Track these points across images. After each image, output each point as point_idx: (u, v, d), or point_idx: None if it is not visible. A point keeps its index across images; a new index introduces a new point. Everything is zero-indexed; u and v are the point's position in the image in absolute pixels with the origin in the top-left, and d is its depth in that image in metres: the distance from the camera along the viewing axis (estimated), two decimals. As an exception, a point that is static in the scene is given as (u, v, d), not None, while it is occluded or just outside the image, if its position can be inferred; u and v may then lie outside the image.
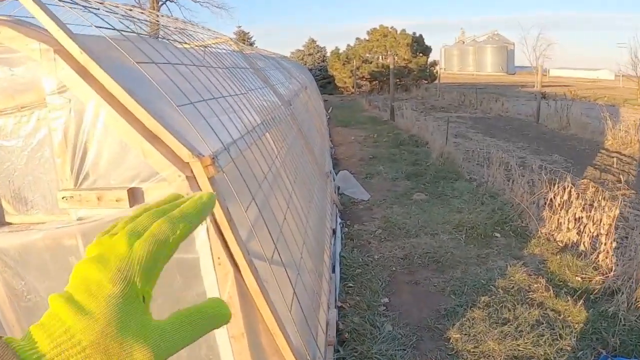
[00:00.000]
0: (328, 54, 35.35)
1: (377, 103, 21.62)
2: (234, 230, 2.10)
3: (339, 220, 6.29)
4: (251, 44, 36.11)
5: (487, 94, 21.69)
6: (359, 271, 4.75)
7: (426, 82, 29.46)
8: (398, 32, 29.09)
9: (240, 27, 37.48)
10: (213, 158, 2.04)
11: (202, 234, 2.08)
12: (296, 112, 7.00)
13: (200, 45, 4.62)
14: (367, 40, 30.33)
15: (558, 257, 4.72)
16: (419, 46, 28.80)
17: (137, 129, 1.98)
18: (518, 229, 5.54)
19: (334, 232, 5.66)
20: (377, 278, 4.58)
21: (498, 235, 5.42)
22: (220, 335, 2.25)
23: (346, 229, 6.06)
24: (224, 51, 5.70)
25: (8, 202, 2.56)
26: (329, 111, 21.10)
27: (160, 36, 4.55)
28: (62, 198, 2.16)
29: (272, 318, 2.28)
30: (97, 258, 0.45)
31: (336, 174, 8.58)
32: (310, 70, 33.96)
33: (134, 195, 2.09)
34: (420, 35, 29.30)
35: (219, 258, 2.10)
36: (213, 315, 0.51)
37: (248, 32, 37.27)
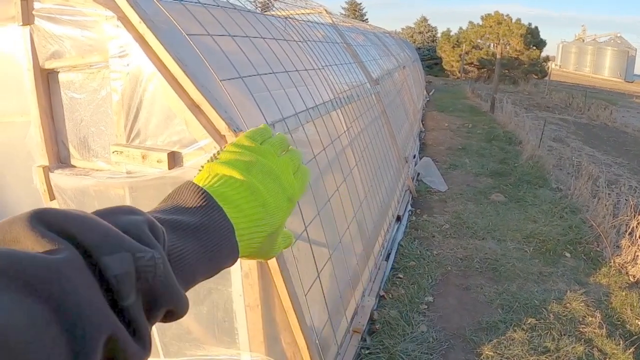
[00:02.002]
0: (439, 35, 34.43)
1: (480, 92, 20.89)
2: None
3: (408, 207, 6.19)
4: (362, 15, 35.82)
5: (597, 99, 20.33)
6: (413, 264, 4.67)
7: (536, 77, 28.00)
8: (513, 20, 27.71)
9: (353, -3, 37.17)
10: None
11: None
12: (383, 92, 6.88)
13: (286, 16, 4.62)
14: (480, 26, 29.14)
15: (624, 293, 4.34)
16: (532, 38, 27.31)
17: (183, 98, 2.11)
18: (591, 252, 5.18)
19: (399, 218, 5.58)
20: (429, 274, 4.49)
21: (568, 255, 5.11)
22: (237, 302, 2.39)
23: (414, 217, 5.95)
24: (315, 23, 5.69)
25: (74, 148, 2.79)
26: (430, 93, 20.66)
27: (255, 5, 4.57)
28: (113, 152, 2.37)
29: (286, 295, 2.34)
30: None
31: (420, 159, 8.43)
32: (419, 49, 33.31)
33: (174, 159, 2.23)
34: (536, 28, 27.71)
35: None
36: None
37: (360, 3, 36.87)
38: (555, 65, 44.81)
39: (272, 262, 2.27)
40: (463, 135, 11.46)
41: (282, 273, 2.32)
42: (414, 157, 8.46)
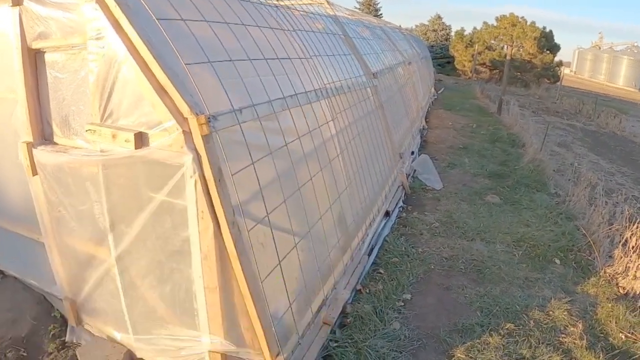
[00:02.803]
0: (452, 34, 34.16)
1: (490, 93, 20.68)
2: (221, 189, 2.24)
3: (400, 204, 6.09)
4: (376, 11, 35.58)
5: (607, 107, 20.05)
6: (396, 260, 4.58)
7: (548, 81, 27.70)
8: (528, 23, 27.37)
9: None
10: (209, 118, 2.20)
11: (189, 186, 2.25)
12: (382, 86, 6.77)
13: (283, 5, 4.52)
14: (495, 27, 28.81)
15: (611, 305, 4.17)
16: (546, 42, 26.96)
17: (151, 81, 2.20)
18: (582, 261, 5.04)
19: (388, 214, 5.49)
20: (410, 272, 4.39)
21: (558, 261, 4.98)
22: (197, 283, 2.42)
23: (404, 214, 5.86)
24: (313, 14, 5.58)
25: (57, 126, 2.89)
26: (439, 91, 20.48)
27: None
28: (87, 130, 2.49)
29: (243, 279, 2.36)
30: None
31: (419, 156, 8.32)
32: (432, 47, 33.07)
33: (141, 139, 2.32)
34: (550, 31, 27.33)
35: (202, 212, 2.25)
36: None
37: (375, -2, 36.60)
38: (571, 71, 44.33)
39: (230, 246, 2.29)
40: (466, 135, 11.33)
41: (240, 257, 2.32)
42: (412, 153, 8.35)
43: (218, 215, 2.25)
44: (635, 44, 44.88)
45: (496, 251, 5.05)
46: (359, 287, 3.96)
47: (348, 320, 3.50)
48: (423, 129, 11.12)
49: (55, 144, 2.90)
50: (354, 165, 4.47)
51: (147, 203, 2.45)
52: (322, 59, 4.35)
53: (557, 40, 27.92)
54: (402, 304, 3.88)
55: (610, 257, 5.11)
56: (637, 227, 4.98)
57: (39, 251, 3.27)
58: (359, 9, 35.54)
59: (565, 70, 28.17)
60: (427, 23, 35.89)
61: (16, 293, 3.65)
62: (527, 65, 26.63)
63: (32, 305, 3.56)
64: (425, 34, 35.20)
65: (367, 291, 3.94)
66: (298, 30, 4.25)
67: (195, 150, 2.18)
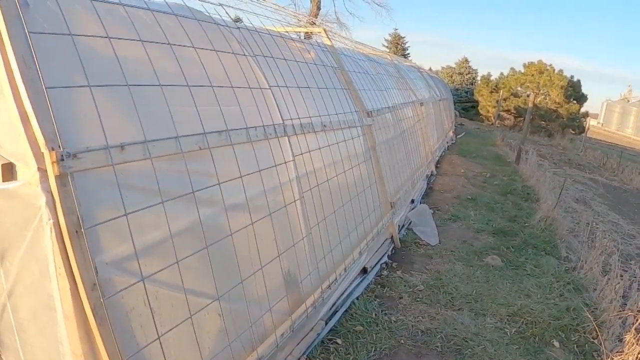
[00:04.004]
0: (478, 78, 33.67)
1: (510, 141, 19.99)
2: (78, 243, 1.80)
3: (384, 259, 5.41)
4: (404, 50, 35.35)
5: (632, 162, 19.16)
6: (361, 329, 3.89)
7: (573, 132, 26.91)
8: (555, 71, 26.73)
9: (397, 29, 36.74)
10: (62, 155, 1.76)
11: (47, 233, 1.82)
12: (379, 125, 6.16)
13: (264, 31, 4.03)
14: (522, 73, 28.22)
15: None
16: (574, 92, 26.27)
17: (19, 107, 1.80)
18: (586, 344, 4.28)
19: (365, 271, 4.82)
20: (374, 345, 3.70)
21: (557, 344, 4.22)
22: (65, 345, 1.94)
23: (386, 272, 5.17)
24: (305, 44, 5.12)
25: None
26: (459, 136, 19.87)
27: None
28: None
29: (106, 355, 1.87)
30: None
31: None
32: (457, 90, 32.59)
33: (10, 171, 1.91)
34: (578, 81, 26.68)
35: (59, 268, 1.85)
36: None
37: (404, 37, 36.43)
38: (598, 123, 43.36)
39: (89, 313, 1.84)
40: (477, 185, 10.62)
41: (99, 327, 1.85)
42: (412, 202, 7.68)
43: (75, 274, 1.82)
44: (664, 96, 44.02)
45: (485, 326, 4.32)
46: (303, 359, 3.28)
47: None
48: (431, 175, 10.46)
49: None
50: (320, 213, 3.84)
51: (20, 243, 2.00)
52: (296, 91, 3.79)
53: (585, 90, 27.26)
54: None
55: (620, 340, 4.36)
56: (653, 312, 4.23)
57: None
58: (386, 47, 35.37)
59: (591, 122, 27.36)
60: (453, 66, 35.50)
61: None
62: (552, 114, 25.90)
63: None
64: (451, 77, 34.76)
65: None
66: (270, 57, 3.69)
67: (50, 193, 1.79)
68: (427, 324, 4.18)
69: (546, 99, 26.40)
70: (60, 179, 1.76)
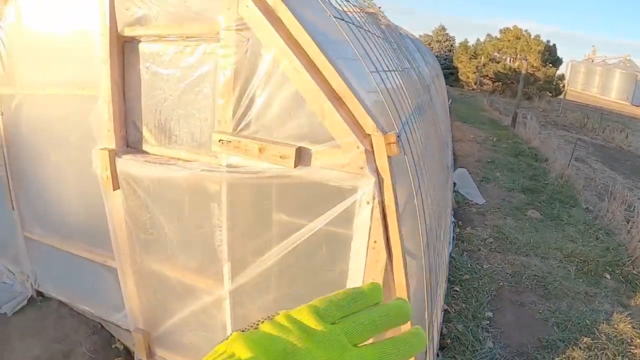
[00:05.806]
0: (456, 45, 34.64)
1: (497, 105, 21.14)
2: (398, 217, 1.84)
3: (451, 218, 6.42)
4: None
5: (611, 122, 20.55)
6: (467, 277, 4.91)
7: (550, 95, 28.28)
8: (531, 36, 27.97)
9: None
10: (398, 136, 1.78)
11: (364, 213, 1.84)
12: (433, 99, 7.08)
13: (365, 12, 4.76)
14: (498, 39, 29.40)
15: None
16: (550, 56, 27.54)
17: (321, 86, 1.75)
18: (629, 275, 5.44)
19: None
20: (484, 289, 4.73)
21: (608, 276, 5.38)
22: None
23: (458, 229, 6.20)
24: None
25: (150, 131, 2.40)
26: (449, 102, 20.85)
27: None
28: (219, 141, 2.00)
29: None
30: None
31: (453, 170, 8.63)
32: (437, 57, 33.34)
33: (301, 156, 1.88)
34: (554, 45, 27.95)
35: (375, 242, 1.87)
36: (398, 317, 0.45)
37: (380, 7, 36.92)
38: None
39: (401, 284, 1.92)
40: (489, 149, 11.72)
41: (408, 295, 1.97)
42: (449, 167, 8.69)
43: (393, 247, 1.87)
44: (629, 57, 45.46)
45: (552, 267, 5.41)
46: (445, 307, 4.23)
47: (447, 341, 3.77)
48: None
49: (145, 152, 2.44)
50: (437, 180, 4.78)
51: (292, 232, 2.04)
52: (404, 72, 4.64)
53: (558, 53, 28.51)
54: (487, 322, 4.20)
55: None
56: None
57: (102, 275, 2.96)
58: (363, 17, 35.74)
59: (566, 83, 28.64)
60: (431, 33, 36.35)
61: (62, 320, 3.30)
62: (531, 78, 27.15)
63: (86, 335, 3.20)
64: (430, 45, 35.60)
65: (453, 310, 4.27)
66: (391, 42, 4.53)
67: (377, 173, 1.78)
68: (510, 268, 5.24)
69: (524, 63, 27.59)
70: (390, 159, 1.78)
